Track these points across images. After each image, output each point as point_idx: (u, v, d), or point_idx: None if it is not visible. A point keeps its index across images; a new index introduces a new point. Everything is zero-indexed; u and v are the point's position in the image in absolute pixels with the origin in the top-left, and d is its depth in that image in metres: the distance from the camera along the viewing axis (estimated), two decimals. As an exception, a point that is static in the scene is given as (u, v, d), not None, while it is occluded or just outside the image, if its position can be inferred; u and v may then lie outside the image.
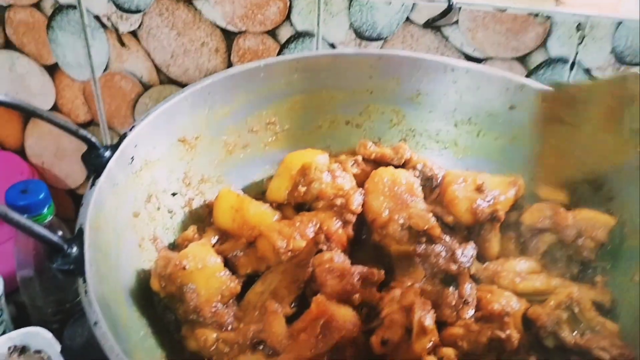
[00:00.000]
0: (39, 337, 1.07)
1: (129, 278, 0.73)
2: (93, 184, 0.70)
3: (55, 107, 1.25)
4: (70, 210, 1.38)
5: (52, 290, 1.09)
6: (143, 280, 0.75)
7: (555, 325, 0.71)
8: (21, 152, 1.32)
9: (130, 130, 0.78)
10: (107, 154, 0.74)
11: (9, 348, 1.05)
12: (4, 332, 1.11)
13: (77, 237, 0.64)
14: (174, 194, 0.86)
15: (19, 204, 0.98)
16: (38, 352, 1.07)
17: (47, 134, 1.29)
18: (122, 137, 0.77)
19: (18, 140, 1.31)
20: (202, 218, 0.89)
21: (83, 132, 0.73)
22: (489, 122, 0.95)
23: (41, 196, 0.98)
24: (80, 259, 0.62)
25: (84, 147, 1.28)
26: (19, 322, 1.12)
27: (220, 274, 0.75)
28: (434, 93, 0.97)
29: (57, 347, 1.04)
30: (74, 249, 0.62)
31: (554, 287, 0.76)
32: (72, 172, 1.34)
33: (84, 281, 0.60)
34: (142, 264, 0.77)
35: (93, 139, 0.73)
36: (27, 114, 0.71)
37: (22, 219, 0.59)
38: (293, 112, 0.98)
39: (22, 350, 1.06)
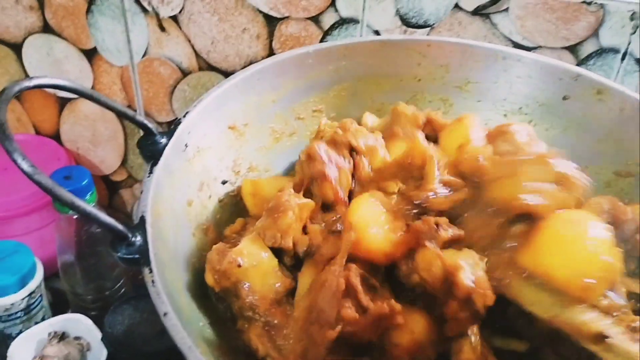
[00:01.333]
0: (79, 323, 1.07)
1: (185, 268, 0.72)
2: (151, 172, 0.69)
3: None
4: (104, 196, 1.38)
5: (93, 276, 1.09)
6: (198, 271, 0.74)
7: None
8: (56, 137, 1.32)
9: (184, 116, 0.77)
10: (164, 140, 0.73)
11: (49, 334, 1.05)
12: (43, 318, 1.11)
13: (140, 225, 0.63)
14: (224, 182, 0.85)
15: (62, 191, 0.97)
16: (77, 338, 1.07)
17: (82, 120, 1.28)
18: (177, 123, 0.76)
19: (54, 125, 1.30)
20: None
21: (140, 118, 0.72)
22: (540, 112, 0.94)
23: (84, 182, 0.98)
24: (144, 247, 0.61)
25: (119, 134, 1.29)
26: (55, 309, 1.12)
27: (275, 271, 0.73)
28: (483, 82, 0.95)
29: (98, 334, 1.04)
30: (138, 238, 0.61)
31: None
32: (106, 158, 1.33)
33: (150, 271, 0.59)
34: (196, 254, 0.76)
35: (150, 125, 0.72)
36: (85, 98, 0.69)
37: (88, 207, 0.58)
38: (339, 100, 0.96)
39: (62, 336, 1.06)
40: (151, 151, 0.72)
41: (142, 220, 0.63)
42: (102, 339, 1.02)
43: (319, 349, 0.62)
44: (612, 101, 0.87)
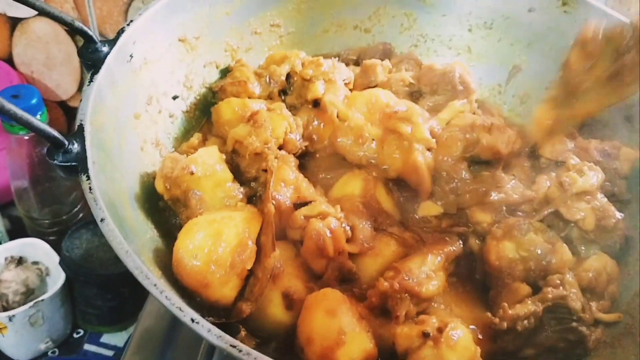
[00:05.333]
0: (36, 248, 1.04)
1: (132, 181, 0.70)
2: (91, 80, 0.66)
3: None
4: (62, 122, 1.33)
5: (48, 201, 1.06)
6: (147, 184, 0.72)
7: None
8: (9, 61, 1.26)
9: (128, 25, 0.73)
10: (105, 49, 0.69)
11: (6, 259, 1.03)
12: (-1, 244, 1.08)
13: (78, 133, 0.60)
14: (174, 97, 0.82)
15: (11, 109, 0.93)
16: (35, 263, 1.05)
17: (35, 42, 1.22)
18: (120, 31, 0.72)
19: (5, 48, 1.24)
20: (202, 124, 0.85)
21: (79, 24, 0.68)
22: (506, 25, 0.91)
23: (33, 101, 0.94)
24: (82, 155, 0.58)
25: (73, 56, 1.24)
26: (13, 236, 1.09)
27: (228, 185, 0.72)
28: (448, -5, 0.92)
29: (56, 258, 1.02)
30: (75, 145, 0.59)
31: None
32: (63, 83, 1.28)
33: (88, 178, 0.56)
34: (145, 168, 0.73)
35: (90, 32, 0.68)
36: (20, 3, 0.65)
37: (20, 111, 0.55)
38: (298, 14, 0.92)
39: (19, 261, 1.04)
40: (92, 60, 0.68)
41: (81, 128, 0.61)
42: (60, 263, 1.00)
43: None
44: (577, 12, 0.85)
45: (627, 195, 0.76)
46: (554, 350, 0.64)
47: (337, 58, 0.89)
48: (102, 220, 0.54)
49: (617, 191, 0.75)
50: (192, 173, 0.69)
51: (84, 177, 0.57)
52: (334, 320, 0.60)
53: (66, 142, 0.58)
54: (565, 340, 0.64)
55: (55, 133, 0.57)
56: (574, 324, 0.63)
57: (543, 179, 0.73)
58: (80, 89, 1.28)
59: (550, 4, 0.86)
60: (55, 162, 0.58)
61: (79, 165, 0.58)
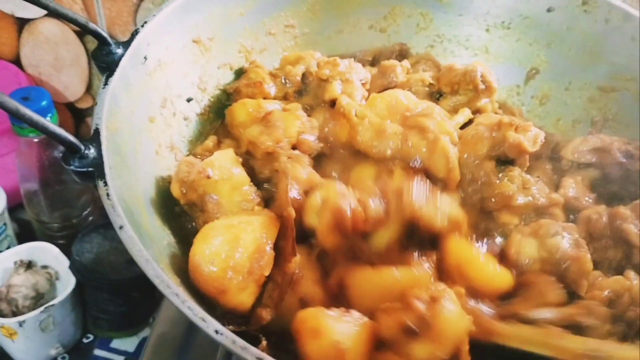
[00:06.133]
0: (46, 252, 1.03)
1: (148, 185, 0.69)
2: (106, 83, 0.64)
3: (51, 14, 1.17)
4: (70, 124, 1.32)
5: (58, 204, 1.04)
6: (162, 189, 0.70)
7: None
8: (17, 62, 1.25)
9: (142, 26, 0.71)
10: (119, 51, 0.67)
11: (15, 263, 1.01)
12: (8, 248, 1.07)
13: (94, 138, 0.58)
14: (189, 100, 0.80)
15: (21, 112, 0.92)
16: (45, 267, 1.04)
17: (43, 43, 1.21)
18: (134, 33, 0.70)
19: (13, 49, 1.23)
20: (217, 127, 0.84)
21: (93, 25, 0.66)
22: (524, 26, 0.89)
23: (44, 103, 0.93)
24: (99, 160, 0.57)
25: (82, 58, 1.23)
26: (22, 240, 1.08)
27: (245, 188, 0.70)
28: (465, -6, 0.90)
29: (65, 262, 1.01)
30: (92, 150, 0.57)
31: None
32: (70, 85, 1.27)
33: (105, 184, 0.55)
34: (160, 172, 0.72)
35: (104, 34, 0.67)
36: (34, 4, 0.63)
37: (35, 116, 0.54)
38: (313, 15, 0.91)
39: (29, 265, 1.03)
40: (106, 62, 0.67)
41: (97, 132, 0.59)
42: (70, 267, 0.99)
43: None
44: (597, 12, 0.83)
45: (651, 199, 0.75)
46: None
47: (352, 59, 0.87)
48: (120, 227, 0.52)
49: (641, 194, 0.74)
50: (208, 177, 0.68)
51: (101, 183, 0.55)
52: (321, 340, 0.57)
53: (82, 147, 0.57)
54: None
55: (72, 138, 0.56)
56: None
57: (569, 182, 0.72)
58: (88, 90, 1.27)
59: (570, 3, 0.85)
60: (72, 167, 0.56)
61: (96, 171, 0.56)
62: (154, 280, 0.50)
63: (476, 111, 0.79)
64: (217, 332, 0.47)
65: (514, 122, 0.69)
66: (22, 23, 1.20)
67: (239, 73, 0.86)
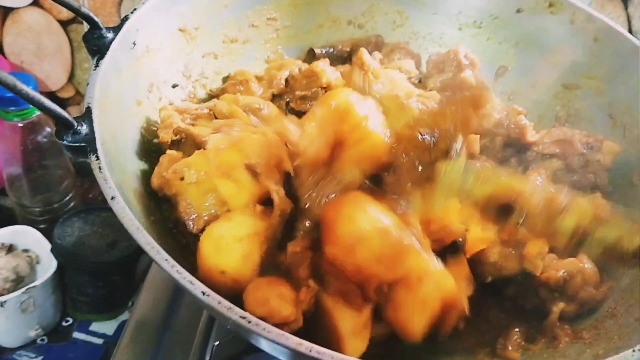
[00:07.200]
0: (27, 235, 1.05)
1: (134, 166, 0.72)
2: (97, 65, 0.67)
3: (35, 3, 1.18)
4: (51, 113, 1.33)
5: (40, 188, 1.06)
6: (148, 173, 0.73)
7: None
8: (-1, 50, 1.26)
9: (132, 13, 0.74)
10: (110, 35, 0.70)
11: (-5, 246, 1.03)
12: (-11, 232, 1.08)
13: (86, 115, 0.61)
14: (174, 86, 0.83)
15: (6, 95, 0.94)
16: (26, 251, 1.05)
17: (26, 31, 1.22)
18: (124, 19, 0.73)
19: (-5, 36, 1.24)
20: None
21: (85, 9, 0.69)
22: (494, 25, 0.94)
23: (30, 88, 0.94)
24: (91, 136, 0.60)
25: (65, 47, 1.24)
26: (1, 225, 1.09)
27: (215, 195, 0.69)
28: (440, -5, 0.95)
29: (47, 246, 1.02)
30: (84, 127, 0.60)
31: None
32: (52, 74, 1.28)
33: (97, 158, 0.58)
34: (144, 156, 0.75)
35: (96, 19, 0.69)
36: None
37: (32, 92, 0.57)
38: (294, 9, 0.94)
39: (10, 248, 1.04)
40: (97, 45, 0.69)
41: (88, 110, 0.62)
42: (51, 251, 1.01)
43: None
44: (563, 13, 0.89)
45: (610, 187, 0.80)
46: None
47: (332, 49, 0.91)
48: (112, 198, 0.55)
49: (600, 183, 0.79)
50: (182, 179, 0.69)
51: (93, 157, 0.58)
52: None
53: (75, 124, 0.59)
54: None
55: (66, 114, 0.59)
56: None
57: (534, 175, 0.76)
58: (70, 80, 1.28)
59: (538, 5, 0.90)
60: (65, 142, 0.59)
61: (88, 146, 0.59)
62: (145, 247, 0.53)
63: (460, 83, 0.83)
64: (204, 293, 0.50)
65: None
66: (6, 11, 1.21)
67: (226, 79, 0.89)
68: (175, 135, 0.74)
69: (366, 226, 0.59)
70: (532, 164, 0.81)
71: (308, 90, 0.84)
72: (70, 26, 1.21)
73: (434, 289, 0.60)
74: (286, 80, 0.86)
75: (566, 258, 0.71)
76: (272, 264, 0.63)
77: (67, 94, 1.31)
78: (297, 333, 0.58)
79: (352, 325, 0.60)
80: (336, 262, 0.60)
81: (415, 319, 0.60)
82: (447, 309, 0.61)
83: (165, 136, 0.73)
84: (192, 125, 0.76)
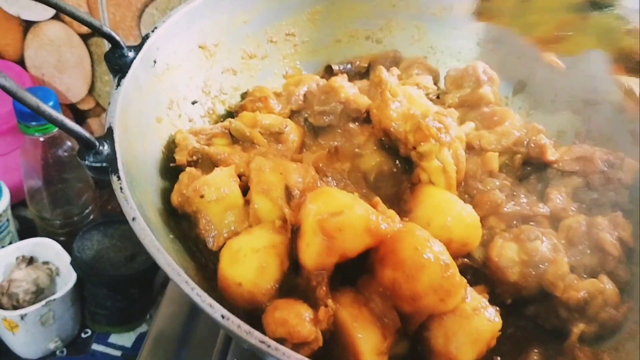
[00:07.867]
0: (47, 248, 1.06)
1: (154, 184, 0.72)
2: (119, 84, 0.68)
3: (56, 17, 1.20)
4: (71, 125, 1.34)
5: (60, 202, 1.07)
6: (168, 190, 0.74)
7: None
8: (21, 63, 1.28)
9: (153, 31, 0.75)
10: (131, 54, 0.71)
11: (17, 258, 1.04)
12: (10, 244, 1.10)
13: (108, 135, 0.62)
14: (194, 102, 0.84)
15: (28, 110, 0.95)
16: (46, 263, 1.06)
17: (47, 45, 1.24)
18: (145, 38, 0.74)
19: (18, 50, 1.26)
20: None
21: (107, 28, 0.70)
22: (513, 40, 0.93)
23: (50, 104, 0.96)
24: (112, 156, 0.60)
25: (85, 60, 1.26)
26: (23, 237, 1.11)
27: (236, 210, 0.70)
28: (458, 9, 0.95)
29: (66, 258, 1.03)
30: (105, 147, 0.61)
31: None
32: (72, 86, 1.30)
33: (119, 178, 0.58)
34: (164, 173, 0.75)
35: (117, 38, 0.70)
36: (49, 5, 0.67)
37: (54, 112, 0.57)
38: (312, 24, 0.95)
39: (30, 261, 1.05)
40: (119, 64, 0.70)
41: (110, 130, 0.62)
42: (71, 263, 1.02)
43: None
44: (584, 29, 0.88)
45: (630, 206, 0.79)
46: None
47: (349, 65, 0.92)
48: (133, 219, 0.56)
49: (621, 200, 0.78)
50: (202, 196, 0.69)
51: (114, 178, 0.59)
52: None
53: (97, 144, 0.60)
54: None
55: (87, 135, 0.59)
56: None
57: (554, 194, 0.76)
58: (90, 92, 1.30)
59: (558, 20, 0.89)
60: (87, 162, 0.60)
61: (110, 166, 0.59)
62: (165, 269, 0.53)
63: (479, 99, 0.84)
64: (223, 317, 0.50)
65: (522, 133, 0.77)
66: (27, 25, 1.23)
67: (245, 96, 0.90)
68: (192, 157, 0.74)
69: (430, 257, 0.60)
70: (552, 182, 0.81)
71: (326, 106, 0.84)
72: (90, 39, 1.22)
73: (487, 322, 0.62)
74: (304, 96, 0.86)
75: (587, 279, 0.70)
76: (290, 286, 0.63)
77: (88, 105, 1.33)
78: (317, 352, 0.58)
79: (374, 347, 0.60)
80: (394, 286, 0.61)
81: (467, 350, 0.61)
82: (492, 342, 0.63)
83: (182, 158, 0.74)
84: (208, 145, 0.76)
